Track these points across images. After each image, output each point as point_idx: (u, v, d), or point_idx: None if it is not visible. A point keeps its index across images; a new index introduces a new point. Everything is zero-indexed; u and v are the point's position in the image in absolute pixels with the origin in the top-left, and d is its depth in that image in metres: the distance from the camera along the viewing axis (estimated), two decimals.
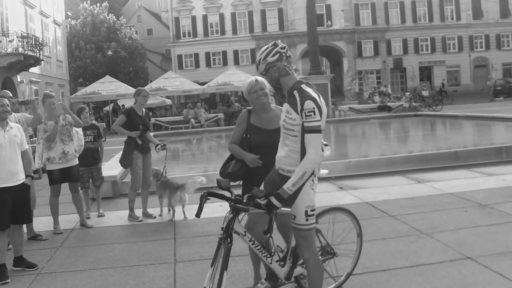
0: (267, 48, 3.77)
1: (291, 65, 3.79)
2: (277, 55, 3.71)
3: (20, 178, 5.60)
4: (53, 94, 7.79)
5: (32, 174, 5.90)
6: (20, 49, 28.71)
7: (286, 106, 3.74)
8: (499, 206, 7.09)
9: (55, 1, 41.51)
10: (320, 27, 41.22)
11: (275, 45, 3.78)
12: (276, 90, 3.86)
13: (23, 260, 5.73)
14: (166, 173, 7.98)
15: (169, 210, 7.94)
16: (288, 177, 3.63)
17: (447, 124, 23.80)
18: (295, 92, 3.65)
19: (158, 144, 7.86)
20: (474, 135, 19.72)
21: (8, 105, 5.66)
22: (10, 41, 28.55)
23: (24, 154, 5.76)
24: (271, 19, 56.57)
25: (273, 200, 3.52)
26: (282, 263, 4.02)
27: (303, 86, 3.68)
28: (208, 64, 56.11)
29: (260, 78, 4.41)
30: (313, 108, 3.49)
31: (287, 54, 3.76)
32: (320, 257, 4.17)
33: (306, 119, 3.51)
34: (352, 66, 53.31)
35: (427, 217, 6.82)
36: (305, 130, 3.54)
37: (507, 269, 4.75)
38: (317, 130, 3.51)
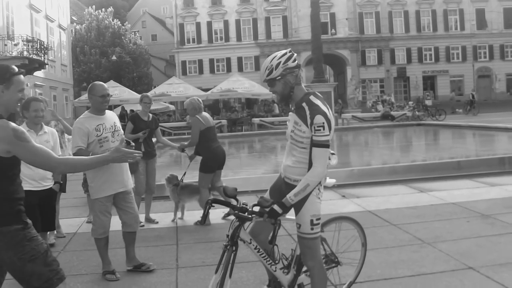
0: (286, 53, 3.67)
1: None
2: (296, 62, 3.66)
3: (47, 184, 5.53)
4: (46, 98, 7.84)
5: (61, 181, 5.75)
6: (25, 53, 28.83)
7: (294, 116, 3.71)
8: (502, 217, 7.08)
9: (60, 6, 41.70)
10: (324, 35, 41.25)
11: (292, 52, 3.72)
12: (286, 99, 3.74)
13: None
14: (183, 180, 7.95)
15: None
16: (294, 186, 3.66)
17: (450, 134, 23.78)
18: (304, 104, 3.63)
19: (180, 148, 7.90)
20: (477, 145, 19.71)
21: (43, 110, 5.59)
22: (15, 44, 28.69)
23: None
24: (275, 26, 56.76)
25: (275, 207, 3.53)
26: (286, 270, 4.01)
27: (312, 98, 3.66)
28: (212, 71, 56.27)
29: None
30: (323, 123, 3.49)
31: (300, 64, 3.75)
32: (324, 265, 4.19)
33: (315, 133, 3.51)
34: (356, 75, 53.46)
35: (429, 227, 6.81)
36: (313, 144, 3.54)
37: (509, 280, 4.74)
38: (325, 145, 3.51)
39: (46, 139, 5.50)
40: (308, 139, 3.58)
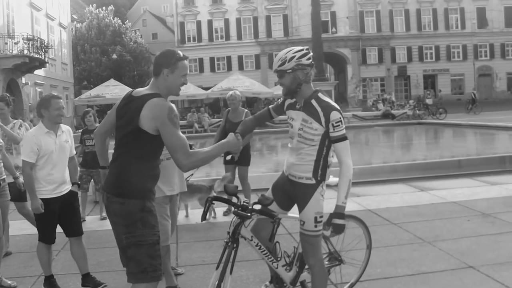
0: (302, 49, 3.70)
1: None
2: (310, 61, 3.69)
3: (66, 187, 5.04)
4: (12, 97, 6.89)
5: (78, 182, 5.36)
6: (26, 51, 28.82)
7: (301, 114, 3.72)
8: (502, 216, 7.07)
9: (61, 4, 41.67)
10: (324, 33, 41.25)
11: (308, 50, 3.75)
12: (292, 94, 3.76)
13: (90, 278, 5.19)
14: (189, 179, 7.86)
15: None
16: (299, 183, 3.75)
17: (450, 133, 23.76)
18: (313, 101, 3.67)
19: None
20: (477, 143, 19.70)
21: (64, 107, 5.07)
22: (15, 43, 28.67)
23: (71, 159, 5.18)
24: (276, 25, 56.72)
25: (337, 221, 3.60)
26: (288, 268, 4.02)
27: (320, 95, 3.71)
28: (212, 69, 56.23)
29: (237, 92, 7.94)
30: (340, 118, 3.59)
31: (313, 63, 3.78)
32: (327, 262, 4.19)
33: (334, 129, 3.58)
34: (356, 73, 53.42)
35: (429, 226, 6.80)
36: (334, 140, 3.61)
37: (509, 279, 4.74)
38: (345, 138, 3.61)
39: (65, 139, 5.07)
40: (319, 136, 3.63)
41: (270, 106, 4.09)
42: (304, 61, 3.65)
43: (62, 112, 5.00)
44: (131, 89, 3.60)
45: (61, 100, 5.07)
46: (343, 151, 3.61)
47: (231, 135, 3.57)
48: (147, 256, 3.31)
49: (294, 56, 3.63)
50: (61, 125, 5.11)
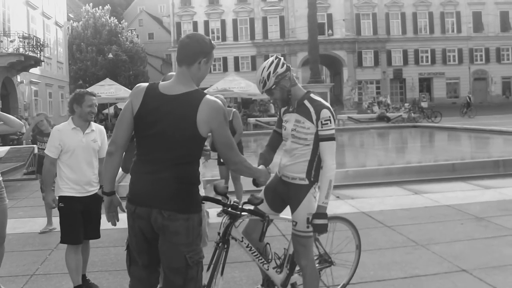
0: (272, 61, 3.74)
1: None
2: (285, 66, 3.74)
3: (91, 189, 4.86)
4: None
5: None
6: (21, 50, 28.75)
7: (294, 116, 3.78)
8: (495, 219, 7.09)
9: (57, 3, 41.56)
10: (321, 36, 41.28)
11: (278, 58, 3.80)
12: (287, 102, 3.83)
13: (85, 280, 5.08)
14: None
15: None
16: (292, 184, 3.77)
17: (445, 136, 23.80)
18: (306, 102, 3.73)
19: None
20: (472, 147, 19.73)
21: (96, 105, 4.94)
22: (11, 41, 28.60)
23: (102, 161, 4.77)
24: (272, 26, 56.74)
25: (317, 221, 3.59)
26: (279, 270, 4.02)
27: (312, 95, 3.77)
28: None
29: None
30: (329, 117, 3.62)
31: (289, 65, 3.81)
32: (317, 265, 4.19)
33: (322, 127, 3.62)
34: (352, 76, 53.46)
35: (423, 229, 6.81)
36: (320, 139, 3.64)
37: (501, 283, 4.75)
38: (332, 138, 3.63)
39: (93, 138, 4.89)
40: (312, 135, 3.67)
41: (274, 128, 4.12)
42: (280, 70, 3.70)
43: (94, 110, 4.90)
44: (144, 84, 3.20)
45: (95, 98, 4.95)
46: (327, 151, 3.64)
47: (263, 167, 3.64)
48: (201, 273, 3.04)
49: (269, 72, 3.70)
50: (93, 123, 4.98)
